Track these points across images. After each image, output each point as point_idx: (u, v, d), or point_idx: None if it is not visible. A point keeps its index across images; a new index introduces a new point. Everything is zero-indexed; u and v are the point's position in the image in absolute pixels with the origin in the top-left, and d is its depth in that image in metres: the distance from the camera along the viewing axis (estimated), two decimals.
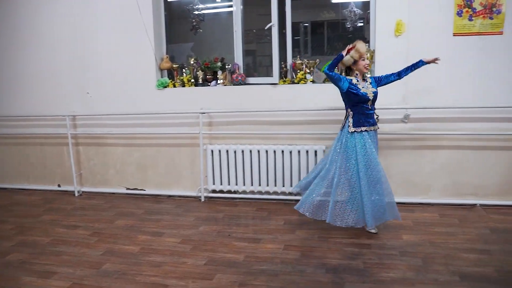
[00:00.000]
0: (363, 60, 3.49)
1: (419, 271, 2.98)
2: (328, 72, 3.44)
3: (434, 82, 4.14)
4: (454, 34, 4.08)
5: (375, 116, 3.64)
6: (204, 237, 3.74)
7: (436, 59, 3.55)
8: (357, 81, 3.52)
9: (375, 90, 3.56)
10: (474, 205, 4.25)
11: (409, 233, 3.63)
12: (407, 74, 3.61)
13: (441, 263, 3.08)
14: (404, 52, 4.13)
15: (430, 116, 4.20)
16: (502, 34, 3.99)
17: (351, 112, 3.55)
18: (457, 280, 2.83)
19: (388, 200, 3.48)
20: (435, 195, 4.36)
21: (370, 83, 3.57)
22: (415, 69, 3.59)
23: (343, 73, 3.69)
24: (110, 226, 4.12)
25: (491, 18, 3.99)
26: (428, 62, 3.57)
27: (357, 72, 3.56)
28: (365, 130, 3.52)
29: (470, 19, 4.03)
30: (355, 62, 3.50)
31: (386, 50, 4.22)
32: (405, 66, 3.64)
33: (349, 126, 3.54)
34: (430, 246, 3.38)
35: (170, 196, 5.03)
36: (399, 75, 3.61)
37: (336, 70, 3.53)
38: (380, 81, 3.62)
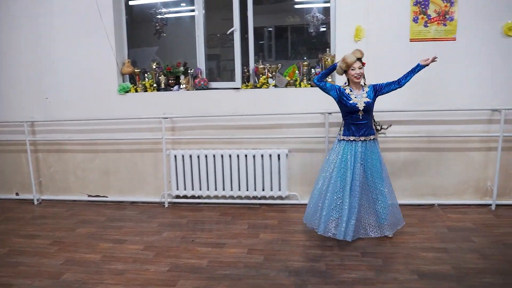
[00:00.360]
0: (353, 69, 3.38)
1: (380, 270, 3.04)
2: (316, 82, 3.42)
3: None
4: (411, 40, 4.21)
5: (380, 126, 3.61)
6: (167, 243, 3.70)
7: (435, 57, 3.41)
8: (350, 90, 3.44)
9: (369, 100, 3.41)
10: (433, 205, 4.39)
11: None
12: (408, 80, 3.44)
13: (400, 262, 3.16)
14: (363, 57, 4.21)
15: (389, 119, 4.29)
16: (455, 40, 4.16)
17: (344, 121, 3.53)
18: (416, 279, 2.91)
19: (344, 218, 3.38)
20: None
21: (366, 93, 3.44)
22: (414, 74, 3.44)
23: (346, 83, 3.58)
24: (71, 234, 4.01)
25: (444, 25, 4.14)
26: (427, 64, 3.41)
27: (347, 81, 3.52)
28: (354, 140, 3.45)
29: (425, 26, 4.17)
30: (346, 71, 3.45)
31: None
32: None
33: (339, 134, 3.54)
34: (390, 246, 3.46)
35: (133, 202, 4.95)
36: (399, 82, 3.45)
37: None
38: (380, 90, 3.47)
